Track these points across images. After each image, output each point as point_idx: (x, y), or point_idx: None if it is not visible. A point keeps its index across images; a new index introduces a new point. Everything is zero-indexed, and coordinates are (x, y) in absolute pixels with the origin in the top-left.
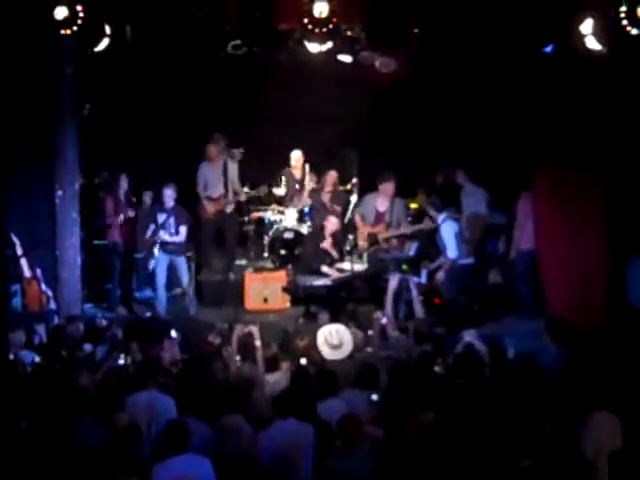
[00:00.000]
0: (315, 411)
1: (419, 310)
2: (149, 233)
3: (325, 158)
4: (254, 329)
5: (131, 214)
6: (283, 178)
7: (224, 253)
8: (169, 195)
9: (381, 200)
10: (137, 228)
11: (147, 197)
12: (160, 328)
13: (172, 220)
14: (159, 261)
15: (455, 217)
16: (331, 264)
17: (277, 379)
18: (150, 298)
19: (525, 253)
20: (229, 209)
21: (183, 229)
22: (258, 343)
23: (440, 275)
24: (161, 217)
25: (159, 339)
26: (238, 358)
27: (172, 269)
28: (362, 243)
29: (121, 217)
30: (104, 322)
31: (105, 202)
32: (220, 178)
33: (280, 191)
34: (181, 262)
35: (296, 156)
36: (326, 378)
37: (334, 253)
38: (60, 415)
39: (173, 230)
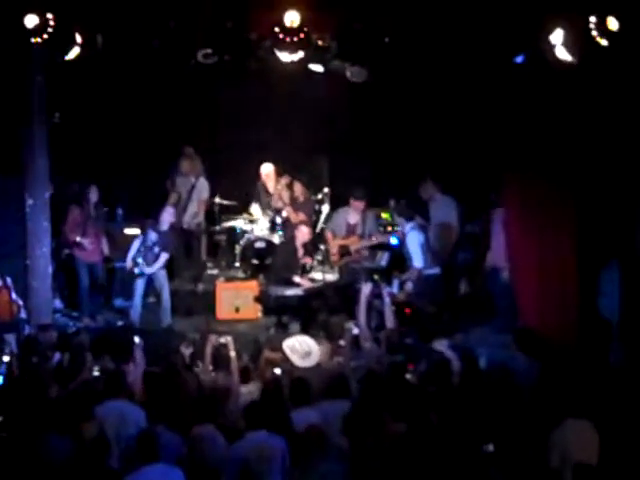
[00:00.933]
0: (288, 421)
1: (390, 320)
2: (133, 252)
3: (296, 167)
4: (229, 340)
5: (85, 242)
6: (256, 193)
7: (192, 264)
8: (170, 214)
9: (352, 213)
10: (109, 240)
11: (120, 210)
12: (131, 338)
13: (159, 244)
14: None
15: (422, 226)
16: (303, 274)
17: (250, 390)
18: (124, 307)
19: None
20: (186, 225)
21: (164, 257)
22: (233, 354)
23: (408, 285)
24: (151, 236)
25: (129, 349)
26: (211, 368)
27: (150, 281)
28: (333, 256)
29: (77, 239)
30: (73, 330)
31: (71, 215)
32: (187, 196)
33: (255, 211)
34: (161, 275)
35: (266, 170)
36: (299, 386)
37: (306, 263)
38: (28, 426)
39: (154, 254)
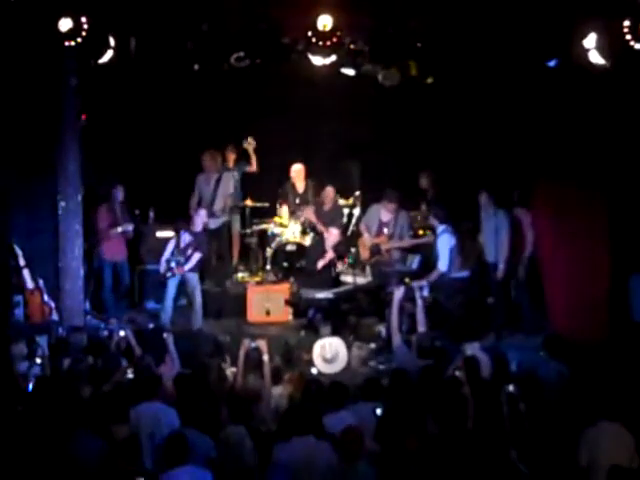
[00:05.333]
0: (321, 424)
1: (423, 323)
2: (167, 255)
3: (328, 171)
4: (262, 343)
5: (129, 228)
6: (284, 193)
7: (222, 265)
8: (202, 215)
9: (385, 211)
10: (141, 242)
11: (151, 212)
12: (162, 340)
13: (192, 245)
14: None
15: (454, 230)
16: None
17: (280, 392)
18: (154, 309)
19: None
20: (213, 224)
21: (196, 256)
22: (266, 358)
23: (425, 291)
24: (185, 237)
25: (160, 351)
26: (244, 372)
27: (182, 283)
28: (363, 253)
29: (118, 229)
30: (105, 333)
31: (98, 215)
32: (212, 191)
33: (282, 212)
34: (193, 278)
35: (295, 168)
36: (338, 390)
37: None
38: (60, 427)
39: (187, 256)
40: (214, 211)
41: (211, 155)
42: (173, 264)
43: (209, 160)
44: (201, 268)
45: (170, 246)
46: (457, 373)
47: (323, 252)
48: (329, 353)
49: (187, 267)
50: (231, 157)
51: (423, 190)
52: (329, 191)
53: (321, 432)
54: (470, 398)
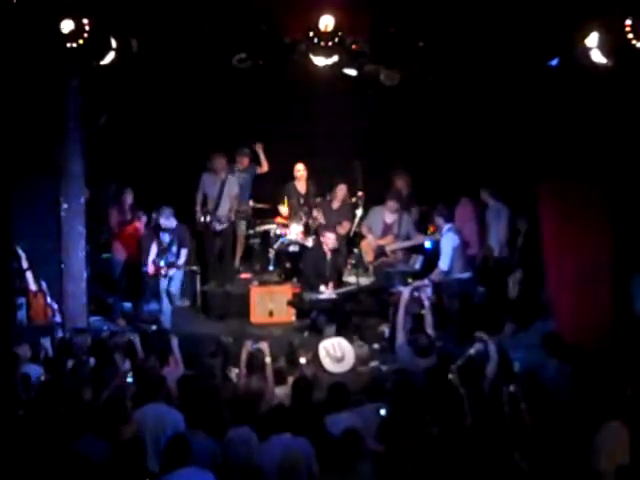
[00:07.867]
0: (320, 423)
1: (430, 324)
2: (153, 256)
3: (331, 172)
4: (264, 345)
5: (143, 219)
6: (287, 194)
7: (223, 266)
8: (167, 215)
9: (388, 213)
10: (143, 244)
11: (154, 215)
12: (165, 342)
13: (175, 242)
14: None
15: (458, 230)
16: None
17: (285, 392)
18: (154, 311)
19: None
20: (219, 227)
21: (184, 252)
22: (268, 360)
23: (427, 291)
24: (164, 237)
25: (164, 353)
26: (245, 373)
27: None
28: (367, 255)
29: (137, 224)
30: (107, 333)
31: (110, 215)
32: (218, 192)
33: (283, 210)
34: (177, 273)
35: (298, 168)
36: (337, 390)
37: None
38: (64, 429)
39: (174, 252)
40: (219, 214)
41: (219, 156)
42: (162, 264)
43: (217, 161)
44: (203, 269)
45: (154, 248)
46: (450, 376)
47: (323, 255)
48: (338, 352)
49: (180, 262)
50: (245, 161)
51: (398, 190)
52: (341, 188)
53: (319, 431)
54: (466, 399)
